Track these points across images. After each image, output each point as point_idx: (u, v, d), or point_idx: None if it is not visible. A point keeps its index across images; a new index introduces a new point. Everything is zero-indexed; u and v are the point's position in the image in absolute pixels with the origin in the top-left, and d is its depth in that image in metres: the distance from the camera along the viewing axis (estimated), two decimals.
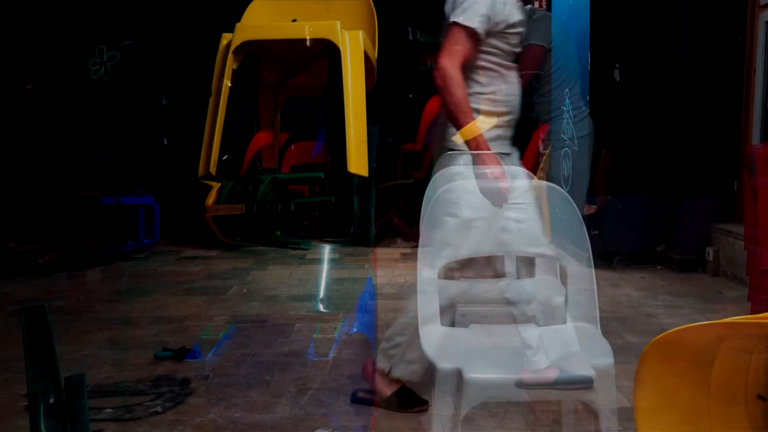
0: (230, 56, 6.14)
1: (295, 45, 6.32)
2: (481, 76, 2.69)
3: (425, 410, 2.79)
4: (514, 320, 2.69)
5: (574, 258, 2.44)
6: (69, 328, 3.96)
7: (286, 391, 3.07)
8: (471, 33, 2.61)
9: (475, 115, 2.65)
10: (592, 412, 2.38)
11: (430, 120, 7.27)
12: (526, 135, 5.67)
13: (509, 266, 3.36)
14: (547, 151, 5.29)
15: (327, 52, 6.41)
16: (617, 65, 5.49)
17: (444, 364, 2.10)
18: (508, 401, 2.76)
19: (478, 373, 2.05)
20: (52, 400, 1.54)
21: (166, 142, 7.46)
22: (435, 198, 2.60)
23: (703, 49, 5.17)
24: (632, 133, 5.41)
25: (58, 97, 7.18)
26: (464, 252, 2.62)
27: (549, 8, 5.72)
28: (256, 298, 4.65)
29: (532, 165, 5.29)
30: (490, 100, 2.71)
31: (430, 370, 2.16)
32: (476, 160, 2.61)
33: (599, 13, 5.09)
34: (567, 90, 5.12)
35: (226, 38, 6.26)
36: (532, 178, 3.24)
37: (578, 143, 4.99)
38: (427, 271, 2.47)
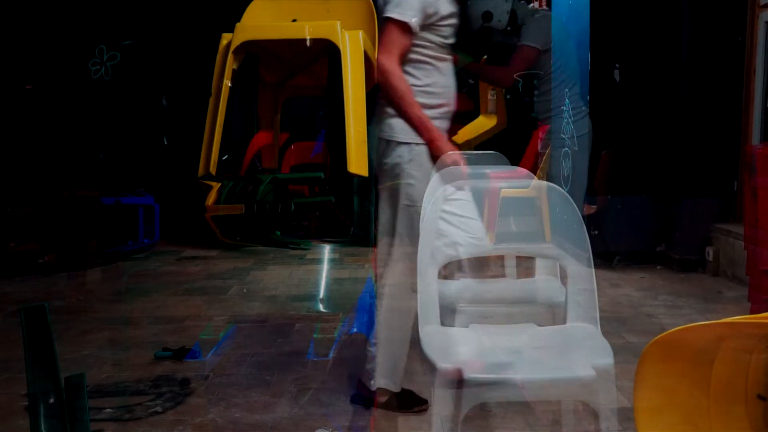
0: (230, 56, 6.13)
1: (295, 45, 6.31)
2: (415, 69, 2.74)
3: (425, 410, 2.79)
4: (513, 320, 2.69)
5: (574, 258, 2.44)
6: (69, 328, 3.96)
7: (286, 391, 3.07)
8: (405, 27, 2.66)
9: None
10: (592, 412, 2.39)
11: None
12: (526, 135, 5.68)
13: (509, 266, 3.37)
14: (547, 151, 5.29)
15: (327, 52, 6.41)
16: (617, 65, 5.49)
17: (444, 364, 2.10)
18: (508, 401, 2.76)
19: (478, 373, 2.05)
20: (52, 400, 1.54)
21: (166, 142, 7.46)
22: (435, 198, 2.60)
23: (703, 49, 5.17)
24: (632, 133, 5.41)
25: (58, 97, 7.18)
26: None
27: (549, 8, 5.72)
28: (256, 298, 4.65)
29: (532, 165, 5.29)
30: (426, 92, 2.75)
31: (430, 370, 2.16)
32: (433, 148, 2.68)
33: (599, 13, 5.08)
34: (567, 90, 5.12)
35: (226, 38, 6.25)
36: (532, 178, 3.24)
37: (577, 142, 4.99)
38: (427, 271, 2.46)
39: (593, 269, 2.39)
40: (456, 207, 2.66)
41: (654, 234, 5.42)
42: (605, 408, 2.12)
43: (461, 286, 3.19)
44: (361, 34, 6.10)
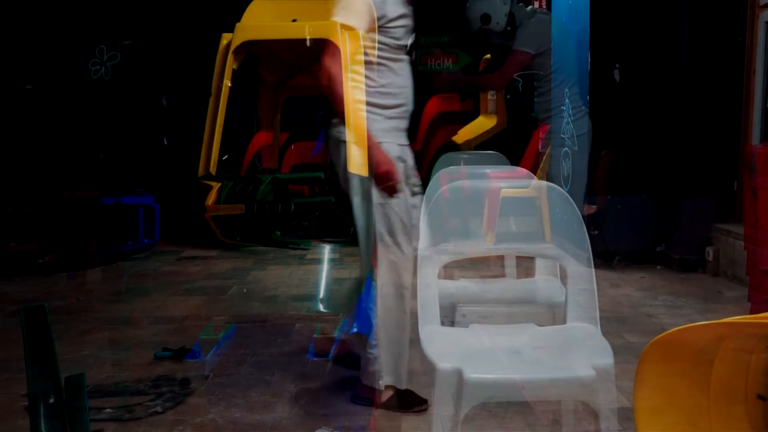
0: (230, 56, 6.14)
1: (295, 45, 6.31)
2: (370, 71, 2.77)
3: (425, 410, 2.79)
4: (513, 320, 2.70)
5: (574, 258, 2.44)
6: (69, 328, 3.96)
7: (286, 391, 3.07)
8: (348, 30, 2.71)
9: (367, 107, 2.75)
10: (592, 412, 2.39)
11: (430, 120, 7.28)
12: (526, 135, 5.68)
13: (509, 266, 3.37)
14: (547, 151, 5.30)
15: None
16: (617, 65, 5.50)
17: (444, 364, 2.10)
18: (508, 401, 2.76)
19: (478, 373, 2.05)
20: (52, 400, 1.54)
21: (166, 142, 7.47)
22: (435, 198, 2.60)
23: (703, 49, 5.17)
24: (632, 133, 5.41)
25: (58, 97, 7.18)
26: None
27: (549, 8, 5.73)
28: (256, 298, 4.65)
29: (532, 165, 5.29)
30: (381, 93, 2.78)
31: (430, 370, 2.16)
32: (369, 154, 2.73)
33: (599, 13, 5.08)
34: (567, 90, 5.12)
35: (226, 38, 6.26)
36: (532, 178, 3.25)
37: (577, 142, 5.00)
38: (428, 271, 2.47)
39: (593, 269, 2.40)
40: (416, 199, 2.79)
41: (654, 234, 5.42)
42: (605, 408, 2.12)
43: (461, 286, 3.19)
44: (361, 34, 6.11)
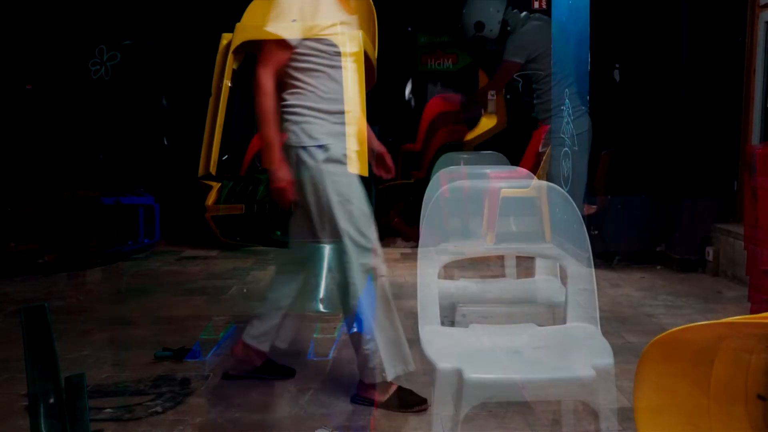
0: (230, 56, 6.13)
1: None
2: (309, 77, 2.85)
3: (425, 409, 2.79)
4: (513, 320, 2.70)
5: (574, 258, 2.45)
6: (69, 328, 3.95)
7: (286, 391, 3.07)
8: (281, 41, 2.79)
9: (310, 111, 2.84)
10: (592, 412, 2.39)
11: (430, 120, 7.28)
12: (526, 135, 5.68)
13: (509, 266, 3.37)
14: (547, 150, 5.30)
15: None
16: (617, 65, 5.49)
17: (444, 364, 2.10)
18: (508, 401, 2.76)
19: (478, 373, 2.05)
20: (52, 400, 1.54)
21: (166, 142, 7.46)
22: (435, 198, 2.61)
23: (703, 49, 5.17)
24: (632, 133, 5.41)
25: (58, 97, 7.18)
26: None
27: (549, 8, 5.73)
28: (256, 298, 4.64)
29: (532, 165, 5.29)
30: (320, 97, 2.85)
31: (430, 370, 2.16)
32: (269, 171, 2.84)
33: (599, 13, 5.09)
34: (567, 90, 5.13)
35: (226, 38, 6.25)
36: (532, 178, 3.25)
37: (577, 140, 5.01)
38: (428, 271, 2.47)
39: (593, 269, 2.40)
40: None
41: (654, 234, 5.41)
42: (605, 408, 2.12)
43: (461, 286, 3.20)
44: (361, 34, 6.11)
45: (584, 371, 2.07)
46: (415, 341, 2.45)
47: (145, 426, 2.75)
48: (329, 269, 3.00)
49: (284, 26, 2.80)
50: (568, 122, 5.16)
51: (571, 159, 5.13)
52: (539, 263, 3.22)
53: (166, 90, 7.44)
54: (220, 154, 6.34)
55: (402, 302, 4.42)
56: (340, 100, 2.89)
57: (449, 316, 2.96)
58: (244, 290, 4.89)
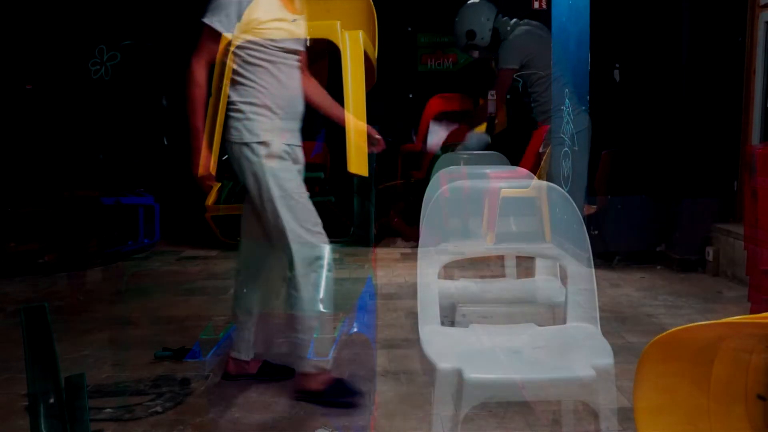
0: (230, 56, 6.13)
1: None
2: (247, 72, 2.90)
3: (358, 404, 2.86)
4: (513, 320, 2.70)
5: (574, 258, 2.44)
6: (69, 328, 3.95)
7: (286, 391, 3.07)
8: (214, 33, 2.84)
9: (247, 108, 2.90)
10: (592, 412, 2.39)
11: (430, 120, 7.28)
12: (526, 135, 5.68)
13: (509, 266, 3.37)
14: (547, 150, 5.30)
15: (327, 52, 6.40)
16: (617, 65, 5.50)
17: (444, 364, 2.10)
18: (508, 401, 2.76)
19: (478, 373, 2.05)
20: (52, 400, 1.54)
21: (166, 142, 7.46)
22: (435, 198, 2.60)
23: (703, 49, 5.17)
24: (632, 133, 5.41)
25: (58, 97, 7.18)
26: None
27: (549, 8, 5.75)
28: None
29: (532, 165, 5.29)
30: (260, 93, 2.89)
31: (430, 370, 2.16)
32: (193, 164, 3.00)
33: (599, 13, 5.09)
34: (567, 90, 5.13)
35: (226, 38, 6.25)
36: (532, 178, 3.25)
37: (576, 138, 5.01)
38: (428, 271, 2.47)
39: (593, 269, 2.40)
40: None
41: (654, 234, 5.41)
42: (605, 408, 2.12)
43: (461, 286, 3.20)
44: (361, 34, 6.10)
45: (584, 371, 2.07)
46: (415, 341, 2.45)
47: (145, 426, 2.75)
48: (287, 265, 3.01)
49: (219, 19, 2.83)
50: (568, 122, 5.16)
51: (571, 159, 5.13)
52: (539, 263, 3.22)
53: (166, 90, 7.44)
54: (220, 154, 6.34)
55: (402, 302, 4.43)
56: (281, 96, 2.93)
57: (449, 316, 2.96)
58: (244, 290, 4.88)
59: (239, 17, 2.83)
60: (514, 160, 4.78)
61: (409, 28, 7.90)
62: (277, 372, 3.18)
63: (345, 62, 6.03)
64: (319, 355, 3.05)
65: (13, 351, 3.34)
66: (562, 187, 3.87)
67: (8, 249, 5.50)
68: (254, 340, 3.14)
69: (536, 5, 6.61)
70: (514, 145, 5.54)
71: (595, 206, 5.28)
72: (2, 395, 3.02)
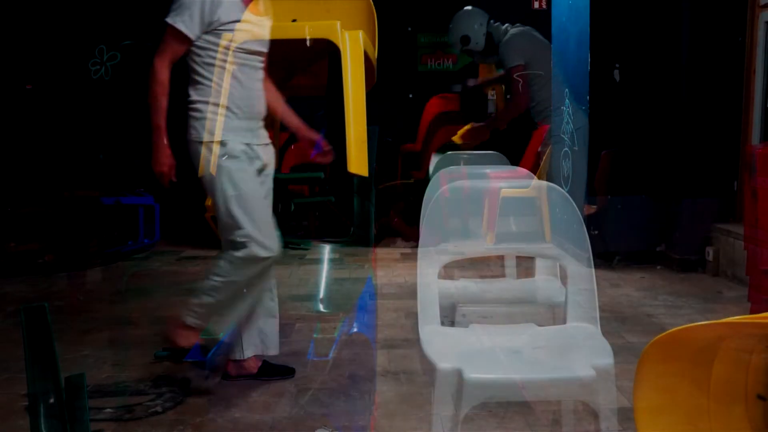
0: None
1: (295, 45, 6.31)
2: (206, 72, 2.94)
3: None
4: (513, 320, 2.70)
5: (574, 258, 2.44)
6: (69, 328, 3.96)
7: (286, 391, 3.07)
8: (177, 33, 2.87)
9: (205, 107, 2.95)
10: (592, 412, 2.39)
11: (430, 120, 7.28)
12: (526, 135, 5.68)
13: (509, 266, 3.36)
14: (547, 150, 5.31)
15: (327, 52, 6.40)
16: (617, 65, 5.50)
17: (444, 364, 2.10)
18: (508, 401, 2.76)
19: (478, 373, 2.05)
20: (52, 400, 1.54)
21: (166, 142, 7.45)
22: (435, 198, 2.60)
23: (703, 49, 5.17)
24: (632, 133, 5.41)
25: (58, 97, 7.18)
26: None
27: (549, 8, 5.76)
28: None
29: (532, 165, 5.29)
30: (219, 93, 2.93)
31: (430, 370, 2.16)
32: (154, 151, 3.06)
33: (599, 13, 5.09)
34: (567, 90, 5.13)
35: (226, 38, 6.25)
36: (532, 178, 3.25)
37: (576, 136, 5.02)
38: (428, 271, 2.47)
39: (593, 269, 2.40)
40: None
41: (654, 234, 5.41)
42: (605, 408, 2.12)
43: (461, 286, 3.20)
44: (361, 34, 6.10)
45: (584, 371, 2.07)
46: (415, 341, 2.45)
47: (145, 426, 2.75)
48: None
49: (182, 19, 2.85)
50: (568, 122, 5.16)
51: (571, 158, 5.14)
52: (539, 263, 3.22)
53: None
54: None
55: (402, 302, 4.43)
56: (241, 96, 2.95)
57: (449, 316, 2.96)
58: (244, 290, 4.87)
59: (202, 17, 2.86)
60: (514, 160, 4.78)
61: (409, 28, 7.91)
62: (277, 372, 3.18)
63: (345, 62, 6.04)
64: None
65: (13, 351, 3.34)
66: (562, 187, 3.88)
67: (8, 249, 5.50)
68: (250, 339, 3.14)
69: (536, 5, 6.62)
70: (514, 145, 5.54)
71: (595, 206, 5.28)
72: (2, 395, 3.02)
